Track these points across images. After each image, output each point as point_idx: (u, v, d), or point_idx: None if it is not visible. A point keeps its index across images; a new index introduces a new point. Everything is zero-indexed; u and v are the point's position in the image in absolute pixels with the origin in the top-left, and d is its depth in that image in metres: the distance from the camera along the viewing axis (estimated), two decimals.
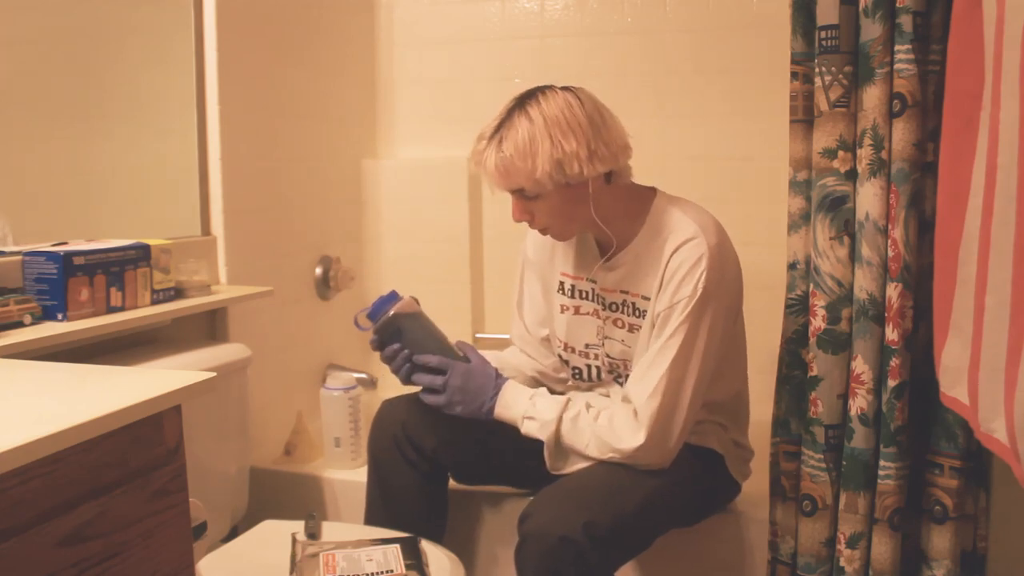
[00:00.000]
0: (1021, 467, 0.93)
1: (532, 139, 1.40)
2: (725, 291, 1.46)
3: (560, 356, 1.66)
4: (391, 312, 1.50)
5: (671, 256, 1.45)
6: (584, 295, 1.61)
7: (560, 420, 1.45)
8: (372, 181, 2.51)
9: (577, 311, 1.61)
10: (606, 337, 1.58)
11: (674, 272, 1.44)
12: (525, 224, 1.66)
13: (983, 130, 1.05)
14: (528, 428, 1.47)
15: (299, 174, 2.20)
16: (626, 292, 1.53)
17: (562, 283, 1.63)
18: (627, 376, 1.56)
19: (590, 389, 1.66)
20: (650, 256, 1.49)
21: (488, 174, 1.45)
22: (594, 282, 1.58)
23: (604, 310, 1.57)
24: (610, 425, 1.44)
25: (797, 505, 1.57)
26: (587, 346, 1.62)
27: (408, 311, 1.52)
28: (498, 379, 1.51)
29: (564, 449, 1.47)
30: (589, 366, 1.63)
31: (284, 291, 2.09)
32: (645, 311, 1.50)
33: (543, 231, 1.52)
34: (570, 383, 1.69)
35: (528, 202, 1.46)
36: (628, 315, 1.54)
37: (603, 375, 1.62)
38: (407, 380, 1.53)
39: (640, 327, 1.52)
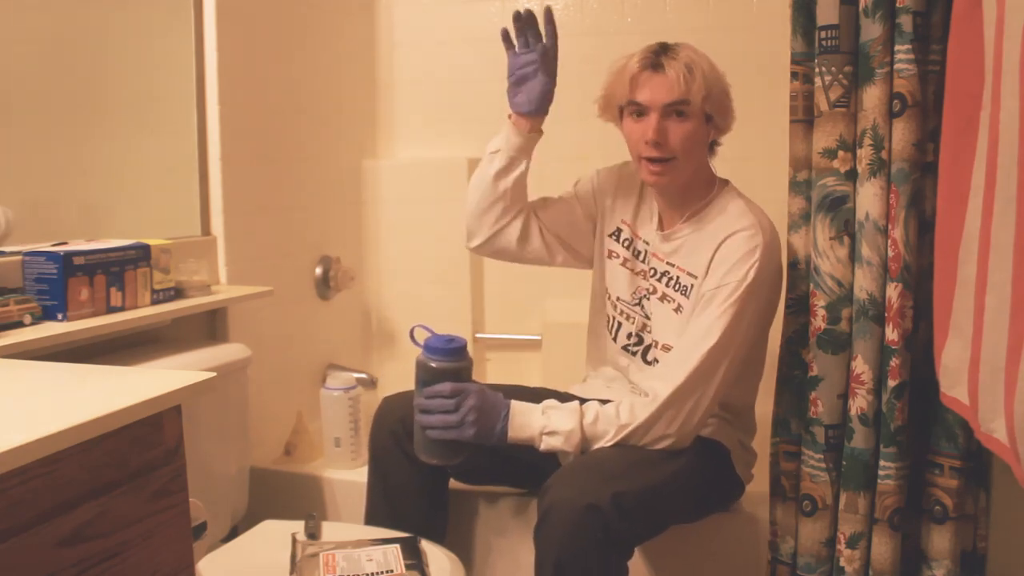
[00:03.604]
0: (1021, 467, 0.93)
1: (703, 63, 1.47)
2: (768, 290, 1.49)
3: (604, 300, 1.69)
4: (434, 365, 1.44)
5: (725, 239, 1.48)
6: (638, 254, 1.63)
7: (582, 427, 1.44)
8: (372, 181, 2.51)
9: (625, 263, 1.64)
10: (642, 300, 1.60)
11: (727, 255, 1.47)
12: None
13: (983, 130, 1.05)
14: (551, 443, 1.44)
15: (299, 174, 2.20)
16: (672, 264, 1.56)
17: (619, 230, 1.65)
18: (648, 346, 1.59)
19: (597, 344, 1.68)
20: (705, 236, 1.52)
21: (667, 76, 1.45)
22: (648, 244, 1.61)
23: (648, 273, 1.59)
24: (631, 412, 1.44)
25: (797, 505, 1.57)
26: (618, 299, 1.64)
27: (459, 367, 1.46)
28: (504, 400, 1.48)
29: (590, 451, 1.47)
30: (611, 318, 1.65)
31: (284, 291, 2.09)
32: (686, 287, 1.52)
33: (669, 159, 1.48)
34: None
35: (670, 122, 1.47)
36: (666, 286, 1.56)
37: (619, 336, 1.64)
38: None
39: (674, 300, 1.54)
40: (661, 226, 1.60)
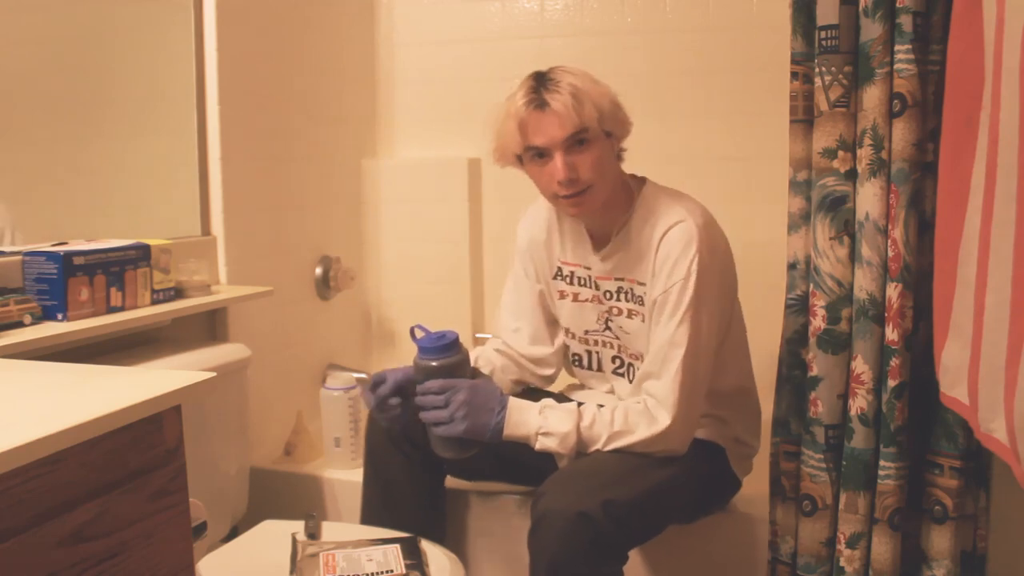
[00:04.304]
0: (1021, 467, 0.93)
1: (586, 84, 1.43)
2: (718, 270, 1.48)
3: (566, 341, 1.67)
4: (434, 363, 1.44)
5: (660, 241, 1.46)
6: (582, 282, 1.61)
7: (578, 431, 1.43)
8: (372, 181, 2.51)
9: (576, 298, 1.62)
10: (608, 322, 1.59)
11: (665, 257, 1.45)
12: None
13: (983, 130, 1.05)
14: (545, 443, 1.44)
15: (299, 174, 2.20)
16: (620, 279, 1.55)
17: (560, 269, 1.64)
18: (629, 364, 1.58)
19: (588, 379, 1.67)
20: (641, 242, 1.50)
21: (556, 112, 1.40)
22: (589, 269, 1.59)
23: (603, 297, 1.58)
24: (625, 420, 1.44)
25: (797, 505, 1.57)
26: (587, 332, 1.63)
27: (451, 363, 1.46)
28: (502, 396, 1.47)
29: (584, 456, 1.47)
30: (589, 352, 1.64)
31: (284, 291, 2.09)
32: (641, 297, 1.52)
33: (584, 190, 1.45)
34: (575, 372, 1.70)
35: (575, 155, 1.43)
36: (625, 301, 1.55)
37: (603, 364, 1.63)
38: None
39: (639, 312, 1.53)
40: (595, 247, 1.57)
